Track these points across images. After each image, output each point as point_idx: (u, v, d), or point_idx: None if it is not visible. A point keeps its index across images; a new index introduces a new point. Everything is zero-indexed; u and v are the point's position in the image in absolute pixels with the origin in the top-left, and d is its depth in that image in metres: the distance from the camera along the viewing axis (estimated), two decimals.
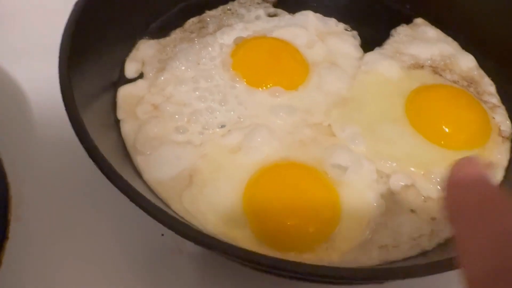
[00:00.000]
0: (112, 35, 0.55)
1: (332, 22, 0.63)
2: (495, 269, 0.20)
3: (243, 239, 0.42)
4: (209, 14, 0.64)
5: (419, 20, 0.65)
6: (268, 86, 0.53)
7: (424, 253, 0.43)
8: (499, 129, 0.53)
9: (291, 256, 0.41)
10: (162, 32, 0.61)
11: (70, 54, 0.45)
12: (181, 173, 0.46)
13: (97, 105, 0.50)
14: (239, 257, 0.33)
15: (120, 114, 0.51)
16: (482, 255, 0.21)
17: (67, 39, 0.46)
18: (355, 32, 0.63)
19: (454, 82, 0.57)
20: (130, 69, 0.57)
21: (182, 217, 0.44)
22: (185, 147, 0.48)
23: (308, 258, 0.42)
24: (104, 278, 0.47)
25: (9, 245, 0.46)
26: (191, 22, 0.63)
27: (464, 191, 0.25)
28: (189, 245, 0.47)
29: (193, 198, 0.45)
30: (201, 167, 0.47)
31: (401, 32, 0.64)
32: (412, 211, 0.46)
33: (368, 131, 0.51)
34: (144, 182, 0.46)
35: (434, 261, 0.34)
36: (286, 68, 0.56)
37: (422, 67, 0.59)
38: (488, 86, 0.58)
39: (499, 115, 0.54)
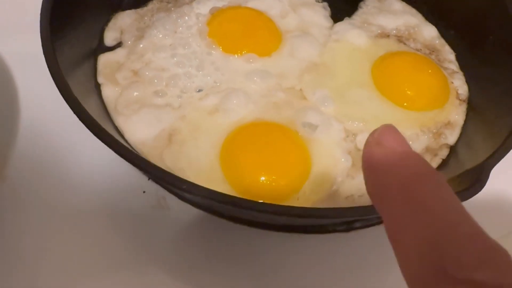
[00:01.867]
0: (91, 4, 0.56)
1: None
2: (434, 269, 0.19)
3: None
4: None
5: None
6: (243, 52, 0.56)
7: None
8: (457, 93, 0.57)
9: None
10: (139, 2, 0.63)
11: (51, 18, 0.46)
12: (161, 133, 0.49)
13: (79, 70, 0.52)
14: (216, 200, 0.36)
15: (101, 79, 0.53)
16: (417, 252, 0.20)
17: (47, 6, 0.48)
18: (325, 3, 0.66)
19: (417, 50, 0.61)
20: (109, 37, 0.58)
21: None
22: (164, 109, 0.51)
23: None
24: (87, 237, 0.48)
25: None
26: None
27: (386, 174, 0.24)
28: (171, 201, 0.50)
29: (173, 156, 0.48)
30: (180, 127, 0.49)
31: (369, 4, 0.67)
32: None
33: (337, 95, 0.54)
34: (126, 142, 0.48)
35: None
36: (260, 36, 0.58)
37: (388, 36, 0.62)
38: (448, 54, 0.62)
39: (457, 80, 0.58)
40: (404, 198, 0.22)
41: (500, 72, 0.54)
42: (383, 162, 0.24)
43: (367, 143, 0.26)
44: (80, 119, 0.40)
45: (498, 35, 0.56)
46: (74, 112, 0.40)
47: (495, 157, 0.42)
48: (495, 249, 0.19)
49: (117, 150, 0.38)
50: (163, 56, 0.55)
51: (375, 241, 0.49)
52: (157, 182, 0.50)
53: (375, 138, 0.25)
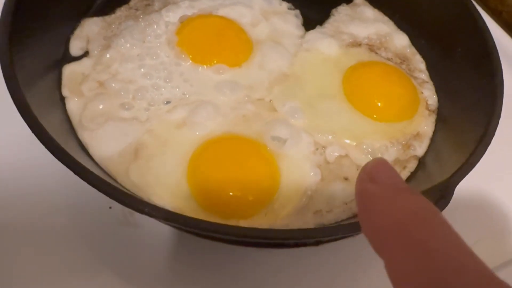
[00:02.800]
0: (55, 12, 0.55)
1: (276, 1, 0.66)
2: None
3: (188, 209, 0.45)
4: None
5: (358, 0, 0.68)
6: (213, 63, 0.55)
7: (354, 216, 0.47)
8: (427, 103, 0.57)
9: (233, 223, 0.44)
10: (107, 9, 0.61)
11: (10, 31, 0.45)
12: (128, 148, 0.48)
13: (41, 83, 0.50)
14: (177, 222, 0.35)
15: (65, 92, 0.52)
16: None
17: (6, 16, 0.46)
18: (297, 11, 0.65)
19: (388, 59, 0.61)
20: (75, 46, 0.57)
21: (128, 190, 0.45)
22: (131, 122, 0.50)
23: (249, 223, 0.45)
24: (53, 254, 0.47)
25: None
26: None
27: (382, 215, 0.23)
28: (137, 217, 0.49)
29: (139, 171, 0.47)
30: (147, 142, 0.48)
31: (341, 12, 0.67)
32: (346, 179, 0.49)
33: (307, 106, 0.54)
34: (91, 158, 0.47)
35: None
36: (230, 46, 0.57)
37: (359, 45, 0.62)
38: (419, 63, 0.62)
39: (427, 90, 0.59)
40: (404, 241, 0.21)
41: (467, 84, 0.54)
42: (378, 201, 0.23)
43: (360, 179, 0.25)
44: (38, 138, 0.38)
45: (467, 47, 0.57)
46: (32, 131, 0.39)
47: (460, 174, 0.42)
48: None
49: (75, 171, 0.37)
50: (130, 67, 0.54)
51: (345, 254, 0.50)
52: None
53: (367, 173, 0.25)
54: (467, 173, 0.42)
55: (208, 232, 0.35)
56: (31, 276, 0.46)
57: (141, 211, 0.36)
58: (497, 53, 0.52)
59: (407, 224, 0.21)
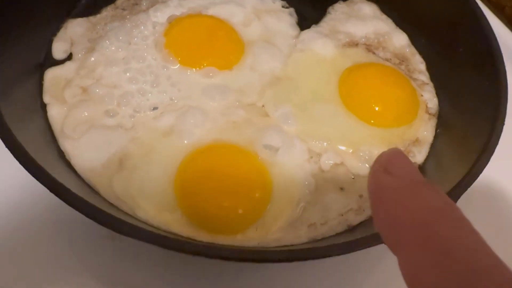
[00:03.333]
0: (37, 12, 0.52)
1: None
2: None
3: (174, 223, 0.43)
4: None
5: None
6: (202, 66, 0.53)
7: (350, 229, 0.45)
8: (427, 106, 0.55)
9: (221, 238, 0.42)
10: (92, 9, 0.59)
11: None
12: (111, 158, 0.46)
13: (20, 89, 0.48)
14: (159, 244, 0.33)
15: (47, 98, 0.49)
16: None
17: None
18: (292, 9, 0.63)
19: (387, 59, 0.58)
20: (58, 49, 0.54)
21: (111, 203, 0.43)
22: (115, 131, 0.47)
23: (239, 238, 0.42)
24: (34, 267, 0.46)
25: None
26: None
27: (398, 210, 0.21)
28: None
29: (123, 183, 0.44)
30: (132, 151, 0.46)
31: (338, 9, 0.64)
32: (341, 189, 0.47)
33: (301, 111, 0.51)
34: (72, 169, 0.45)
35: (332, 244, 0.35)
36: (220, 48, 0.55)
37: (356, 45, 0.59)
38: (419, 63, 0.59)
39: (427, 93, 0.56)
40: (421, 239, 0.20)
41: (469, 86, 0.52)
42: (394, 195, 0.22)
43: (373, 170, 0.23)
44: (10, 151, 0.36)
45: (469, 47, 0.54)
46: (4, 143, 0.36)
47: (462, 186, 0.39)
48: None
49: (49, 187, 0.34)
50: (115, 71, 0.51)
51: (342, 269, 0.47)
52: None
53: (382, 164, 0.23)
54: (470, 185, 0.40)
55: (192, 254, 0.32)
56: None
57: (119, 231, 0.33)
58: (501, 54, 0.49)
59: (428, 219, 0.20)
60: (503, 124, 0.44)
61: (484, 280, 0.18)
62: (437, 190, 0.22)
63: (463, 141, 0.49)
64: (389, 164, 0.23)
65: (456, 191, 0.39)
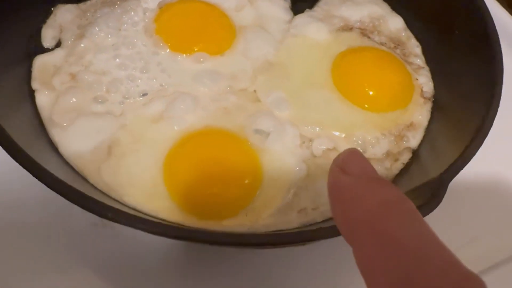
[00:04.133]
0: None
1: None
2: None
3: (164, 210, 0.42)
4: None
5: None
6: (193, 51, 0.52)
7: None
8: (422, 90, 0.54)
9: (211, 224, 0.42)
10: None
11: None
12: (100, 145, 0.45)
13: (9, 77, 0.47)
14: (143, 229, 0.33)
15: (35, 85, 0.49)
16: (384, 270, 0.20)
17: None
18: None
19: (382, 44, 0.57)
20: (47, 36, 0.53)
21: (100, 190, 0.43)
22: (104, 117, 0.47)
23: (228, 224, 0.42)
24: (27, 258, 0.45)
25: None
26: None
27: (352, 205, 0.23)
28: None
29: (112, 170, 0.44)
30: (121, 138, 0.46)
31: None
32: None
33: (294, 97, 0.51)
34: (61, 156, 0.44)
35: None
36: (211, 33, 0.54)
37: (351, 29, 0.58)
38: (415, 47, 0.58)
39: (423, 77, 0.55)
40: (372, 231, 0.21)
41: (465, 70, 0.51)
42: (349, 192, 0.23)
43: (331, 171, 0.25)
44: None
45: (465, 29, 0.53)
46: None
47: (453, 169, 0.39)
48: (471, 279, 0.19)
49: (34, 174, 0.34)
50: (104, 57, 0.51)
51: (334, 252, 0.47)
52: None
53: (338, 164, 0.25)
54: (461, 168, 0.39)
55: (178, 239, 0.32)
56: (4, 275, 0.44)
57: (104, 216, 0.33)
58: (497, 36, 0.48)
59: (375, 214, 0.22)
60: (497, 108, 0.43)
61: (426, 267, 0.19)
62: (390, 185, 0.23)
63: (458, 124, 0.48)
64: (345, 163, 0.24)
65: (448, 174, 0.38)
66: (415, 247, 0.20)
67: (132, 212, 0.39)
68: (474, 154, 0.40)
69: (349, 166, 0.24)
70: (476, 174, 0.52)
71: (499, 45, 0.48)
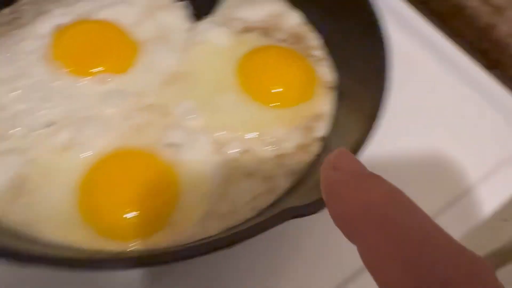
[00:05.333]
0: None
1: None
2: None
3: (85, 239, 0.42)
4: (23, 2, 0.59)
5: None
6: (95, 73, 0.51)
7: (261, 213, 0.46)
8: (324, 81, 0.56)
9: (135, 244, 0.42)
10: None
11: None
12: (8, 185, 0.44)
13: None
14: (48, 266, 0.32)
15: None
16: (400, 278, 0.19)
17: None
18: (186, 2, 0.62)
19: (283, 40, 0.59)
20: None
21: (14, 231, 0.42)
22: (8, 156, 0.45)
23: (153, 241, 0.42)
24: None
25: None
26: (3, 13, 0.57)
27: (349, 200, 0.22)
28: None
29: (24, 208, 0.43)
30: (30, 174, 0.45)
31: None
32: (250, 174, 0.48)
33: (203, 104, 0.51)
34: None
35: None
36: (111, 52, 0.54)
37: (252, 30, 0.60)
38: (315, 40, 0.61)
39: (325, 67, 0.58)
40: (376, 223, 0.21)
41: (360, 57, 0.54)
42: (343, 188, 0.23)
43: (323, 169, 0.25)
44: None
45: (356, 17, 0.56)
46: None
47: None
48: (478, 262, 0.19)
49: None
50: (1, 91, 0.49)
51: (260, 250, 0.49)
52: None
53: (329, 162, 0.25)
54: (358, 150, 0.42)
55: (81, 270, 0.32)
56: None
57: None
58: (382, 19, 0.52)
59: (378, 205, 0.21)
60: (385, 91, 0.46)
61: (437, 251, 0.19)
62: (382, 179, 0.23)
63: (360, 109, 0.51)
64: (336, 161, 0.24)
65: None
66: (422, 235, 0.20)
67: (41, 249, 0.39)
68: (367, 138, 0.43)
69: (340, 162, 0.24)
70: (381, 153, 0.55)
71: (384, 28, 0.51)
